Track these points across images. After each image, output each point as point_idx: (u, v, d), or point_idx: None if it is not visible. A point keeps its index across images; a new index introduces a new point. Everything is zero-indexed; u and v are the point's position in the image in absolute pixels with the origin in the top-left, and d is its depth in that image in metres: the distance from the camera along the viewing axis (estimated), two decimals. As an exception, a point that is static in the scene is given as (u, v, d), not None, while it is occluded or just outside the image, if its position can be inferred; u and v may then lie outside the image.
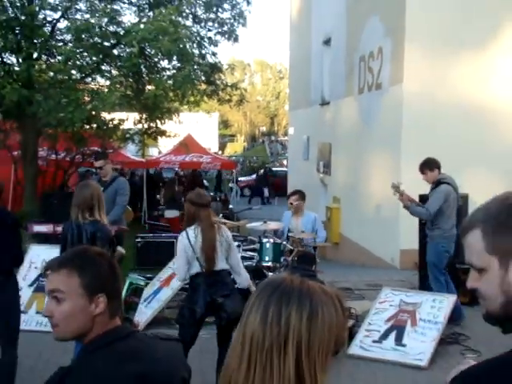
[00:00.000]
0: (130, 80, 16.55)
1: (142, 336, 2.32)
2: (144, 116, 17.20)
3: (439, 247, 8.22)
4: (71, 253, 2.32)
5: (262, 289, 1.64)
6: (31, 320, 8.18)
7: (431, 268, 8.38)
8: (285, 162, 42.88)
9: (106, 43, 15.65)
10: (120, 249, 6.50)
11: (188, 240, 5.73)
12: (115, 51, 16.08)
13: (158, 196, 23.90)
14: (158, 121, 17.46)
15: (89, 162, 18.61)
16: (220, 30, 17.12)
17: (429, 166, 8.38)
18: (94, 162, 9.07)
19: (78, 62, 15.28)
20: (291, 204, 9.13)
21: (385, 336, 7.35)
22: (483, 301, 1.56)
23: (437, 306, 7.49)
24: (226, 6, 17.46)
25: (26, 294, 8.27)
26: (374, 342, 7.32)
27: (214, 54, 17.34)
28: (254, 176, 39.45)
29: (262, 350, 1.54)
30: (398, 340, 7.24)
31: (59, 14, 15.92)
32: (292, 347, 1.53)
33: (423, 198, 8.83)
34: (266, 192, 34.71)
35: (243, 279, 6.13)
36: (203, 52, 16.96)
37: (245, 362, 1.55)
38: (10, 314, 5.58)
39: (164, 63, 16.86)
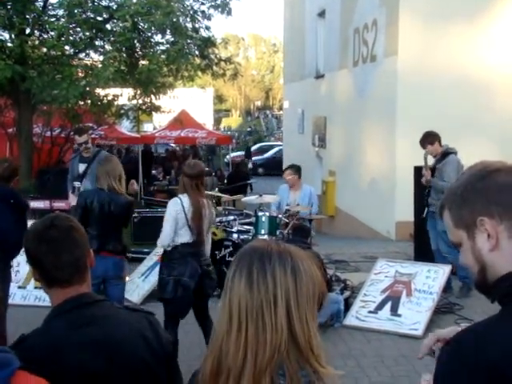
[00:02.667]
0: (124, 55, 16.41)
1: (107, 304, 2.32)
2: (138, 91, 17.11)
3: None
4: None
5: (240, 256, 1.68)
6: (30, 295, 8.26)
7: (442, 236, 8.02)
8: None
9: (99, 18, 15.51)
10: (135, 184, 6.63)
11: (182, 206, 5.63)
12: (108, 26, 15.95)
13: (153, 172, 23.90)
14: (152, 96, 17.38)
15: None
16: (213, 4, 16.93)
17: (429, 139, 8.36)
18: (77, 137, 8.50)
19: (71, 38, 15.15)
20: (285, 179, 9.22)
21: (380, 306, 7.44)
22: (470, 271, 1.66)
23: (432, 277, 7.57)
24: (219, -22, 17.28)
25: (24, 269, 8.32)
26: (370, 312, 7.41)
27: (207, 28, 17.19)
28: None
29: (251, 311, 1.58)
30: (394, 310, 7.32)
31: (51, -12, 15.78)
32: (281, 300, 1.58)
33: (419, 169, 8.85)
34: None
35: None
36: (196, 26, 16.80)
37: (235, 327, 1.59)
38: None
39: (157, 37, 16.74)
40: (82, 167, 8.41)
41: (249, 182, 21.92)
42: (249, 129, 57.30)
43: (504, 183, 1.57)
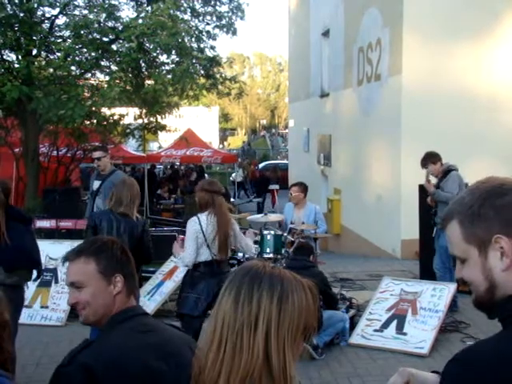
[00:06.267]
0: (130, 75, 16.56)
1: (152, 318, 2.51)
2: (144, 111, 17.22)
3: None
4: (84, 242, 2.51)
5: (235, 274, 1.70)
6: (36, 314, 8.26)
7: (442, 252, 8.32)
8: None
9: (105, 39, 15.67)
10: None
11: (200, 226, 5.69)
12: (114, 46, 16.10)
13: (159, 191, 23.93)
14: (157, 115, 17.49)
15: (90, 157, 18.66)
16: (218, 24, 17.10)
17: (431, 159, 8.45)
18: (93, 153, 9.12)
19: (77, 58, 15.30)
20: (291, 194, 9.21)
21: (386, 325, 7.42)
22: (471, 287, 1.63)
23: (437, 295, 7.55)
24: (223, -1, 17.46)
25: (30, 288, 8.33)
26: (375, 331, 7.39)
27: (212, 48, 17.33)
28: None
29: (233, 330, 1.60)
30: (399, 329, 7.30)
31: (57, 10, 15.94)
32: (262, 326, 1.58)
33: (424, 187, 8.87)
34: None
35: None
36: (202, 46, 16.94)
37: (216, 343, 1.61)
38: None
39: (163, 58, 16.88)
40: (96, 184, 8.62)
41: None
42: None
43: None
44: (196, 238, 5.68)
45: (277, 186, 21.98)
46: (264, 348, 1.58)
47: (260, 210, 23.09)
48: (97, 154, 8.75)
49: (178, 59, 16.11)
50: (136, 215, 6.05)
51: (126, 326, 2.29)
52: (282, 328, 1.59)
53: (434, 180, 8.64)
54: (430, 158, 8.50)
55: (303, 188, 9.24)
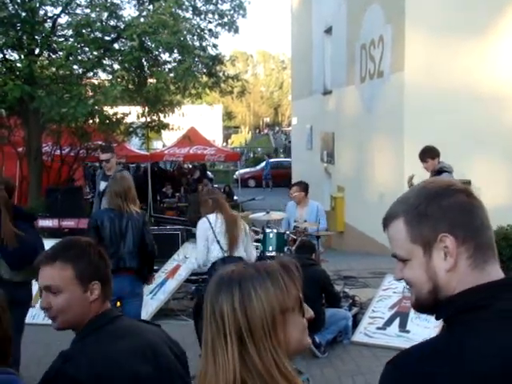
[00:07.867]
0: (132, 74, 16.58)
1: (127, 318, 2.45)
2: (146, 109, 17.24)
3: None
4: (61, 245, 2.41)
5: (207, 288, 1.65)
6: (39, 313, 8.25)
7: None
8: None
9: (107, 37, 15.71)
10: None
11: (209, 223, 5.93)
12: (116, 45, 16.14)
13: (163, 189, 23.93)
14: (160, 114, 17.49)
15: (93, 156, 18.69)
16: (220, 22, 17.11)
17: (430, 154, 8.39)
18: (101, 154, 9.02)
19: (79, 57, 15.35)
20: (291, 194, 9.22)
21: (389, 323, 7.39)
22: (411, 288, 1.60)
23: (440, 293, 7.52)
24: (225, -3, 17.47)
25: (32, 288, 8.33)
26: (378, 328, 7.36)
27: (214, 46, 17.35)
28: (258, 167, 39.27)
29: (209, 346, 1.55)
30: (402, 326, 7.27)
31: (59, 9, 15.98)
32: (231, 337, 1.51)
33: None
34: None
35: None
36: (204, 44, 16.97)
37: (203, 359, 1.57)
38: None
39: (165, 56, 16.91)
40: (103, 185, 8.56)
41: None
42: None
43: (470, 205, 1.54)
44: (205, 236, 5.96)
45: None
46: (241, 357, 1.50)
47: None
48: (105, 157, 8.65)
49: (180, 58, 16.11)
50: (135, 209, 6.04)
51: (105, 331, 2.24)
52: (256, 328, 1.51)
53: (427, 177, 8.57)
54: (429, 153, 8.43)
55: (303, 187, 9.23)
